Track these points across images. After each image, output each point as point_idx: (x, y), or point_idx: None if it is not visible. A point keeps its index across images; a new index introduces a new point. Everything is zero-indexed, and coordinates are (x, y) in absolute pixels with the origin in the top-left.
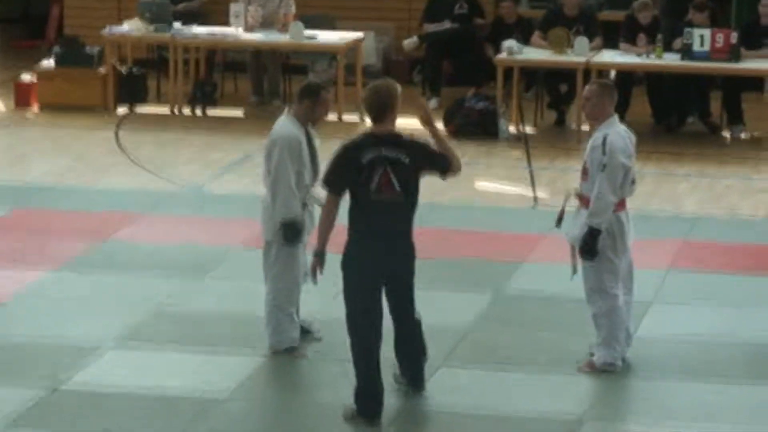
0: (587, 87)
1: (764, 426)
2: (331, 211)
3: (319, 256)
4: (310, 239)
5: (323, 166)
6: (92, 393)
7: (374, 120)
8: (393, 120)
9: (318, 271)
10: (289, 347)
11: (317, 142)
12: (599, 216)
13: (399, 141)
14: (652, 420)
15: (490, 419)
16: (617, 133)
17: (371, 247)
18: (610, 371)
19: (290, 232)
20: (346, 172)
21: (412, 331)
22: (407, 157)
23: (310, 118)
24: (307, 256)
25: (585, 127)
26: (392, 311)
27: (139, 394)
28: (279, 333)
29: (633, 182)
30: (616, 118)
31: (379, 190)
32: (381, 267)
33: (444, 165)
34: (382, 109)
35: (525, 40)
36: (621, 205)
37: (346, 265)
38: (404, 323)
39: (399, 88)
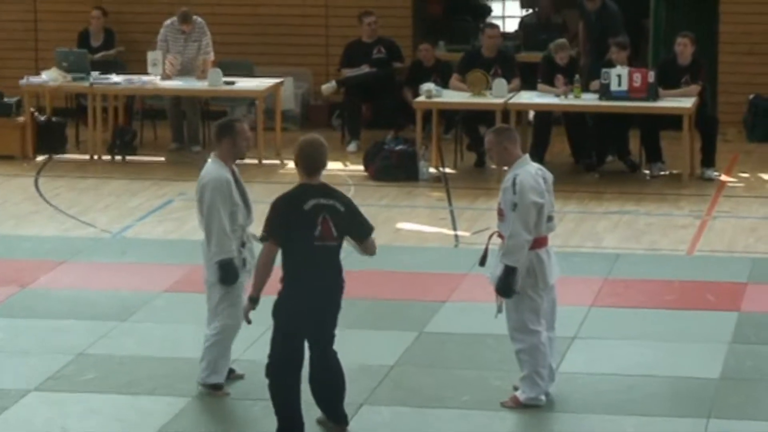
0: (486, 137)
1: None
2: (270, 259)
3: (254, 302)
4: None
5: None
6: None
7: (309, 173)
8: (320, 174)
9: (248, 316)
10: (216, 383)
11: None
12: (513, 254)
13: (332, 192)
14: None
15: None
16: (527, 172)
17: (306, 297)
18: (533, 406)
19: (226, 273)
20: (288, 220)
21: (328, 360)
22: (342, 206)
23: (235, 153)
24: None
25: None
26: (311, 348)
27: None
28: (212, 368)
29: (550, 219)
30: (526, 157)
31: (322, 236)
32: (312, 317)
33: (366, 232)
34: (317, 163)
35: (444, 83)
36: (540, 242)
37: (278, 312)
38: (322, 354)
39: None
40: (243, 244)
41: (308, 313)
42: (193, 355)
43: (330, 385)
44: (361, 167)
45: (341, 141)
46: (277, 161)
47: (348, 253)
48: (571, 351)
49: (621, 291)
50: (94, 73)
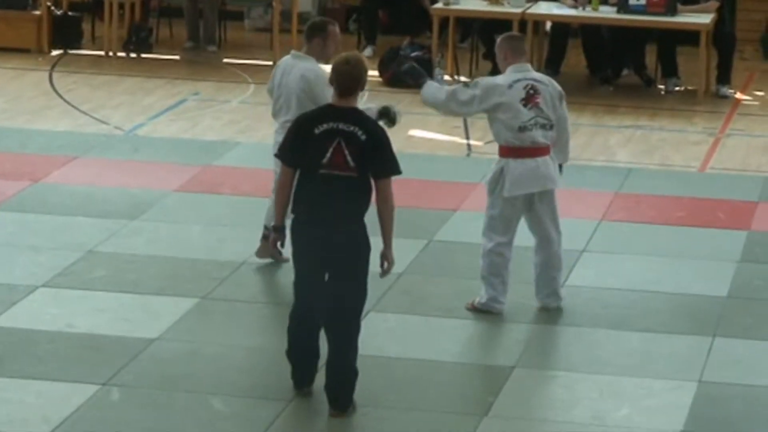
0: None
1: (690, 374)
2: (286, 184)
3: (278, 231)
4: None
5: None
6: (21, 330)
7: (341, 94)
8: (357, 96)
9: (280, 245)
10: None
11: None
12: (424, 97)
13: (359, 117)
14: (582, 367)
15: (419, 364)
16: (501, 76)
17: (310, 233)
18: (487, 309)
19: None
20: (297, 142)
21: (339, 344)
22: (364, 134)
23: (324, 54)
24: None
25: None
26: (325, 318)
27: (69, 333)
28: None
29: (521, 129)
30: (518, 66)
31: (331, 164)
32: (319, 253)
33: (391, 168)
34: (353, 84)
35: None
36: (508, 151)
37: (291, 237)
38: (333, 330)
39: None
40: None
41: (316, 250)
42: (200, 256)
43: (334, 378)
44: (376, 73)
45: (357, 46)
46: None
47: None
48: (579, 264)
49: (632, 206)
50: None
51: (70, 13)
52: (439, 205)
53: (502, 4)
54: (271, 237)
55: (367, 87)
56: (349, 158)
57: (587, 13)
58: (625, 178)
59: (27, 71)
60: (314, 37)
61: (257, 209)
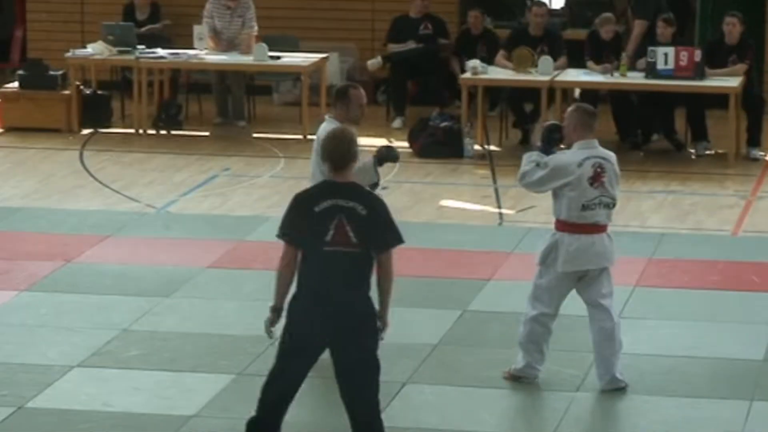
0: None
1: None
2: (290, 263)
3: (276, 312)
4: None
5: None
6: (58, 411)
7: (335, 168)
8: (353, 168)
9: (272, 327)
10: None
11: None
12: (524, 164)
13: (357, 192)
14: None
15: None
16: (567, 154)
17: (312, 306)
18: (524, 376)
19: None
20: (299, 220)
21: (368, 426)
22: (364, 209)
23: (348, 117)
24: None
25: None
26: (343, 397)
27: (105, 412)
28: None
29: (585, 208)
30: (585, 142)
31: (335, 241)
32: (317, 333)
33: (392, 240)
34: (344, 157)
35: (490, 53)
36: (565, 226)
37: (287, 315)
38: (357, 418)
39: (356, 133)
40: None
41: (313, 327)
42: (235, 332)
43: None
44: (406, 144)
45: (386, 117)
46: None
47: None
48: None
49: (665, 271)
50: (140, 47)
51: (99, 92)
52: (472, 275)
53: (530, 72)
54: (268, 317)
55: (401, 159)
56: (351, 234)
57: (615, 79)
58: (659, 244)
59: (57, 151)
60: (337, 101)
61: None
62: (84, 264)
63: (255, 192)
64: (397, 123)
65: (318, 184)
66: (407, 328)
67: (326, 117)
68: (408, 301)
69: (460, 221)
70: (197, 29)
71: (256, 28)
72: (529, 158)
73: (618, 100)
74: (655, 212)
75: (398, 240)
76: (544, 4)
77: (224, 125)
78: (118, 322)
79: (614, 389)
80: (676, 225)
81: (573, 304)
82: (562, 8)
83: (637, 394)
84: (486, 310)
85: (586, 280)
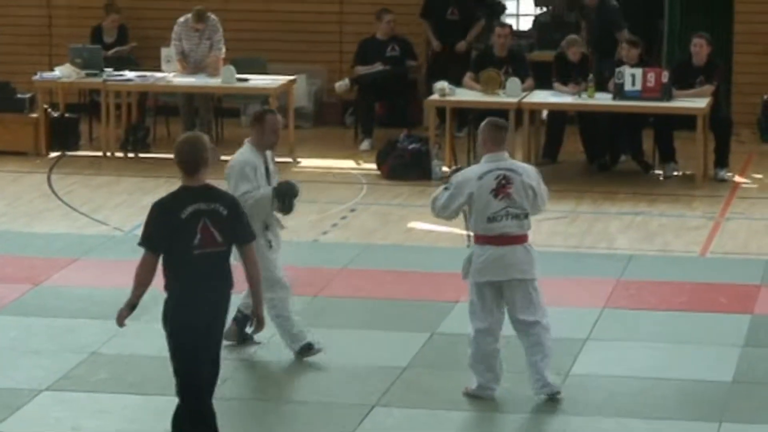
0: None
1: None
2: (150, 270)
3: (131, 308)
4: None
5: None
6: None
7: (189, 173)
8: (206, 172)
9: (124, 320)
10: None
11: (272, 167)
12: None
13: (214, 193)
14: None
15: None
16: (472, 169)
17: (194, 308)
18: (479, 395)
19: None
20: (165, 229)
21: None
22: (225, 209)
23: (263, 142)
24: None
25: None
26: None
27: None
28: (292, 337)
29: (490, 220)
30: (493, 155)
31: (203, 244)
32: (203, 332)
33: (248, 238)
34: (197, 162)
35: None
36: (478, 238)
37: (169, 325)
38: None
39: (208, 139)
40: (267, 227)
41: (198, 327)
42: None
43: None
44: (374, 166)
45: (354, 139)
46: (289, 159)
47: (363, 250)
48: (583, 352)
49: (634, 292)
50: (108, 70)
51: (67, 115)
52: (441, 297)
53: (498, 94)
54: (121, 310)
55: (365, 180)
56: (216, 234)
57: (583, 100)
58: (627, 265)
59: (25, 174)
60: (254, 126)
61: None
62: (52, 287)
63: None
64: (365, 145)
65: (176, 191)
66: (376, 350)
67: (245, 141)
68: (377, 323)
69: (429, 243)
70: (165, 51)
71: (223, 50)
72: (438, 192)
73: (586, 121)
74: (623, 233)
75: (253, 235)
76: (507, 25)
77: None
78: (87, 345)
79: (549, 395)
80: (644, 246)
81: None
82: (529, 30)
83: (607, 416)
84: (455, 332)
85: (508, 294)
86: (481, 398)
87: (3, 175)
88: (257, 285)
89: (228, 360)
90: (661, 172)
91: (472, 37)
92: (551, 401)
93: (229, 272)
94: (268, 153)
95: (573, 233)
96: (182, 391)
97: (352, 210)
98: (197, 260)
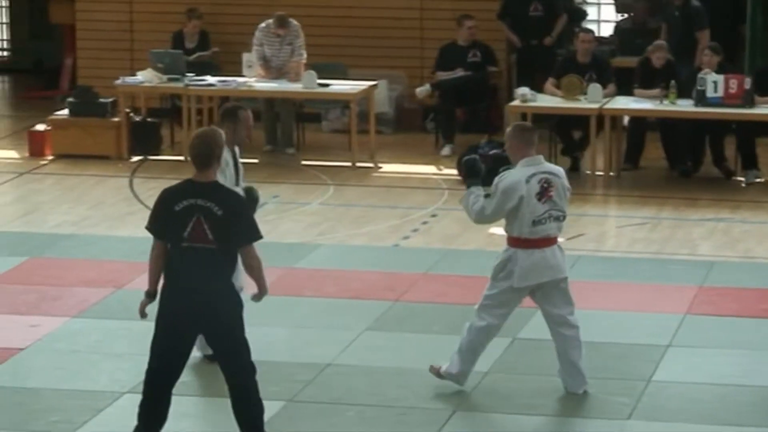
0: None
1: None
2: (159, 255)
3: (149, 296)
4: None
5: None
6: None
7: (197, 168)
8: (216, 168)
9: (145, 310)
10: None
11: (240, 164)
12: (462, 201)
13: (216, 193)
14: None
15: None
16: (515, 174)
17: (175, 299)
18: (450, 381)
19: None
20: (161, 217)
21: (244, 389)
22: (220, 209)
23: (234, 139)
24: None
25: (599, 173)
26: (221, 367)
27: None
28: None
29: (535, 223)
30: (530, 159)
31: (192, 238)
32: (184, 325)
33: (250, 236)
34: (207, 157)
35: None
36: (519, 242)
37: (159, 302)
38: (235, 378)
39: (224, 136)
40: None
41: (177, 319)
42: (285, 359)
43: (247, 420)
44: (455, 171)
45: (435, 145)
46: (370, 164)
47: (443, 255)
48: (665, 359)
49: (716, 299)
50: (189, 75)
51: (148, 119)
52: (523, 303)
53: (579, 100)
54: (142, 301)
55: (446, 185)
56: (208, 232)
57: (665, 106)
58: (709, 272)
59: (107, 178)
60: (225, 121)
61: (340, 311)
62: (134, 290)
63: (304, 219)
64: (445, 151)
65: (181, 183)
66: None
67: None
68: (458, 329)
69: None
70: (246, 57)
71: (305, 55)
72: (471, 196)
73: (667, 127)
74: (706, 240)
75: (255, 236)
76: (590, 30)
77: (273, 153)
78: None
79: (584, 391)
80: (727, 253)
81: (623, 333)
82: (611, 36)
83: (689, 422)
84: (536, 338)
85: (541, 293)
86: (453, 383)
87: (85, 179)
88: (257, 274)
89: (310, 368)
90: (743, 178)
91: (557, 32)
92: (639, 408)
93: (222, 271)
94: (237, 150)
95: (655, 239)
96: (146, 374)
97: (433, 215)
98: (185, 252)
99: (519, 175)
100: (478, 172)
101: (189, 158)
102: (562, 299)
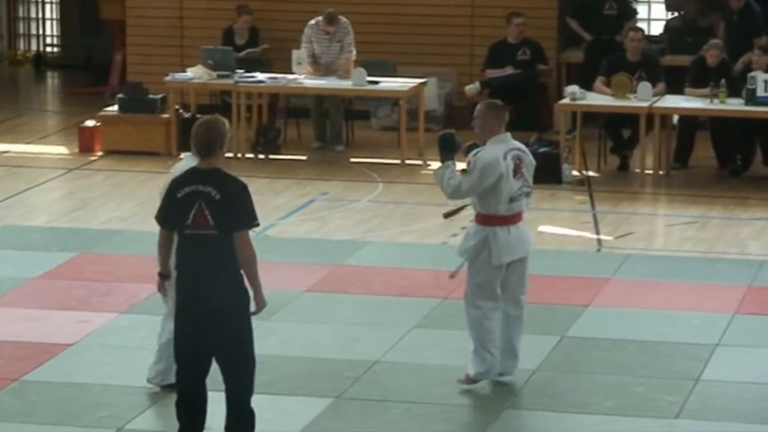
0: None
1: None
2: (164, 243)
3: (163, 277)
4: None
5: None
6: None
7: (201, 156)
8: (220, 156)
9: (163, 291)
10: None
11: None
12: (435, 175)
13: (215, 178)
14: None
15: None
16: (491, 151)
17: (183, 285)
18: (483, 379)
19: None
20: (168, 206)
21: (237, 399)
22: (218, 194)
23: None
24: None
25: (648, 172)
26: (220, 368)
27: None
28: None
29: (513, 200)
30: (501, 136)
31: (194, 224)
32: (200, 312)
33: (243, 222)
34: (210, 145)
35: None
36: (497, 220)
37: (175, 303)
38: (231, 385)
39: (228, 125)
40: None
41: (192, 309)
42: (333, 356)
43: (236, 419)
44: None
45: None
46: (419, 162)
47: None
48: (713, 358)
49: (765, 299)
50: (239, 71)
51: (198, 116)
52: (571, 301)
53: (628, 99)
54: (157, 281)
55: None
56: (209, 217)
57: (715, 105)
58: (758, 271)
59: (156, 174)
60: None
61: (388, 308)
62: None
63: (353, 216)
64: None
65: (186, 171)
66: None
67: (183, 155)
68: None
69: (559, 247)
70: (296, 54)
71: (354, 52)
72: (447, 170)
73: (717, 126)
74: (755, 239)
75: (249, 223)
76: (640, 29)
77: (322, 150)
78: None
79: (514, 371)
80: None
81: (672, 332)
82: (661, 34)
83: (737, 422)
84: (585, 336)
85: (510, 270)
86: (485, 379)
87: (135, 176)
88: (249, 270)
89: (357, 365)
90: None
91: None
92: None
93: (227, 258)
94: None
95: (704, 238)
96: (176, 371)
97: None
98: (189, 240)
99: (496, 152)
100: (453, 148)
101: (192, 146)
102: (522, 278)
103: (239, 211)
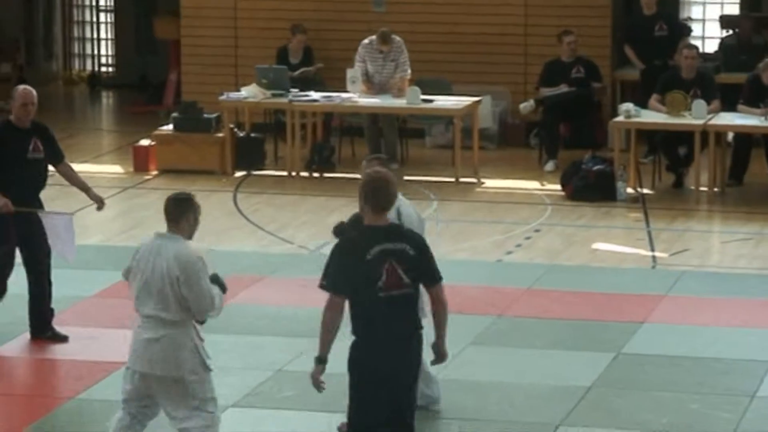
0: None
1: None
2: (337, 315)
3: (322, 362)
4: None
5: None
6: None
7: (376, 211)
8: (390, 211)
9: (319, 381)
10: None
11: None
12: None
13: (401, 232)
14: None
15: None
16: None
17: (377, 354)
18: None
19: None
20: (349, 270)
21: None
22: (413, 249)
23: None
24: None
25: (703, 189)
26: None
27: None
28: None
29: None
30: None
31: (387, 286)
32: (383, 371)
33: (433, 278)
34: (389, 200)
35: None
36: None
37: (352, 368)
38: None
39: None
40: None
41: (381, 377)
42: None
43: None
44: (558, 187)
45: (539, 160)
46: (474, 180)
47: (547, 270)
48: None
49: None
50: (293, 90)
51: (252, 135)
52: (626, 318)
53: (683, 116)
54: (314, 370)
55: (549, 201)
56: (402, 276)
57: None
58: None
59: (212, 192)
60: (185, 213)
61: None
62: (239, 305)
63: None
64: (549, 166)
65: (361, 231)
66: (561, 370)
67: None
68: (562, 343)
69: (614, 264)
70: (350, 72)
71: (409, 71)
72: None
73: None
74: None
75: (440, 276)
76: (695, 46)
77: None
78: (273, 363)
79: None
80: None
81: (727, 349)
82: (715, 52)
83: None
84: (640, 353)
85: None
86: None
87: None
88: (443, 323)
89: None
90: None
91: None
92: (725, 420)
93: (416, 316)
94: None
95: (759, 255)
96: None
97: (537, 230)
98: (382, 304)
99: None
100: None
101: (367, 202)
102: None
103: (432, 265)
